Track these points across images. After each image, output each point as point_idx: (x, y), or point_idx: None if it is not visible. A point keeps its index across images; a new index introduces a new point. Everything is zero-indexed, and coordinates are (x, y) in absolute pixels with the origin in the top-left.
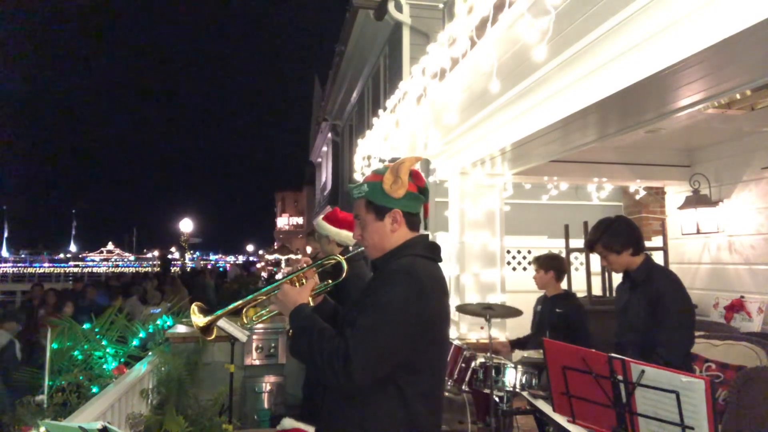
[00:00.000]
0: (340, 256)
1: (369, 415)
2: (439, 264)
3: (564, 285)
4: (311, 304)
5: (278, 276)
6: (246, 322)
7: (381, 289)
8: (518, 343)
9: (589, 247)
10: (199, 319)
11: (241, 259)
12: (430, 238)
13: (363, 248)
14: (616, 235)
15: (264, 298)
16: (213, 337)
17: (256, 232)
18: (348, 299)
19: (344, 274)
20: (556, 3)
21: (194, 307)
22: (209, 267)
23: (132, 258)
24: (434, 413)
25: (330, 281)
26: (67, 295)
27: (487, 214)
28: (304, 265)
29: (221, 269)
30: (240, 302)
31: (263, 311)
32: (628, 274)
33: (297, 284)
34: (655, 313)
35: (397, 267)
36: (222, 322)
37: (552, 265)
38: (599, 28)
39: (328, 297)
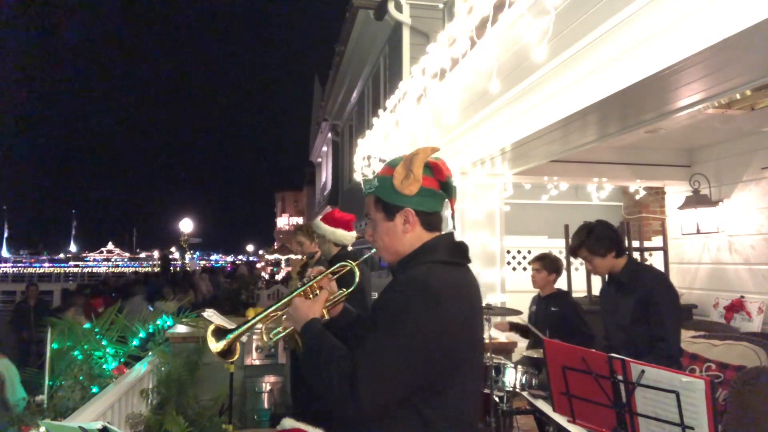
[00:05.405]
0: (352, 262)
1: None
2: (468, 266)
3: (564, 285)
4: (326, 316)
5: (278, 276)
6: (267, 341)
7: (392, 304)
8: (517, 327)
9: (573, 253)
10: (215, 345)
11: (239, 259)
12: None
13: (372, 249)
14: (599, 238)
15: (279, 313)
16: (236, 357)
17: (256, 232)
18: (360, 298)
19: (357, 281)
20: (556, 3)
21: (209, 334)
22: (209, 267)
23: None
24: None
25: (344, 290)
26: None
27: (487, 214)
28: (317, 275)
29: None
30: (254, 320)
31: (279, 328)
32: (612, 277)
33: (311, 296)
34: (646, 310)
35: (409, 277)
36: (220, 320)
37: (554, 267)
38: (599, 28)
39: (349, 306)
